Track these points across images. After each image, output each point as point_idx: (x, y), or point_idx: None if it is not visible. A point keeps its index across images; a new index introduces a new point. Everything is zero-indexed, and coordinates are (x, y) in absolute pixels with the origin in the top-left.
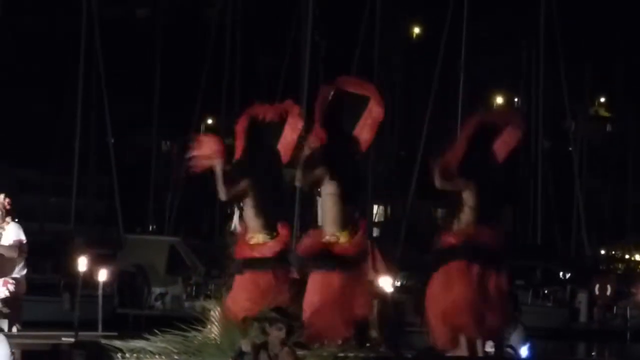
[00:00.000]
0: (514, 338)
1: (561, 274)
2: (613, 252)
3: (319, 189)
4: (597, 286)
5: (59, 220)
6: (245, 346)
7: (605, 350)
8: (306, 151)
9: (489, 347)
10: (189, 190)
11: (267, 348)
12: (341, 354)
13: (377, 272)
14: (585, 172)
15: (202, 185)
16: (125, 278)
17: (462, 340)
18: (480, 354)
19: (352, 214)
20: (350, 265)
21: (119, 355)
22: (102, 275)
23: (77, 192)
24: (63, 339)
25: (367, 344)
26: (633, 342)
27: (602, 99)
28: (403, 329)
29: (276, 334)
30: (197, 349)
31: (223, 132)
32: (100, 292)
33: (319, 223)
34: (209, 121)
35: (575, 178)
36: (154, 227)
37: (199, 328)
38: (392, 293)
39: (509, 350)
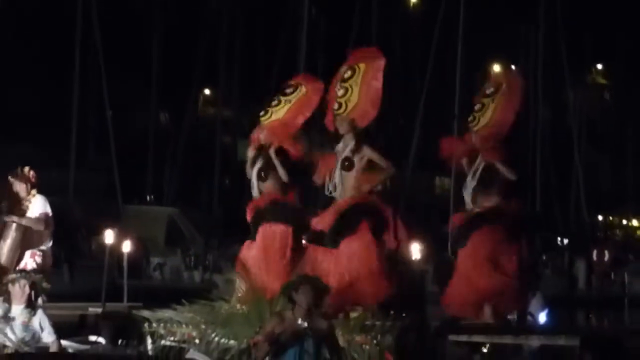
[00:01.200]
0: (532, 305)
1: (559, 241)
2: (611, 219)
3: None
4: (595, 253)
5: (58, 194)
6: (280, 327)
7: (604, 317)
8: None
9: (511, 315)
10: (188, 162)
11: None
12: (368, 322)
13: (399, 241)
14: (584, 140)
15: (200, 157)
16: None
17: (487, 309)
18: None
19: None
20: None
21: (146, 325)
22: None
23: (76, 166)
24: (90, 309)
25: (392, 312)
26: (631, 308)
27: (599, 66)
28: (427, 297)
29: (302, 298)
30: (225, 320)
31: (221, 103)
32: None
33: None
34: (207, 92)
35: (573, 146)
36: (152, 198)
37: (226, 299)
38: (417, 261)
39: (528, 317)
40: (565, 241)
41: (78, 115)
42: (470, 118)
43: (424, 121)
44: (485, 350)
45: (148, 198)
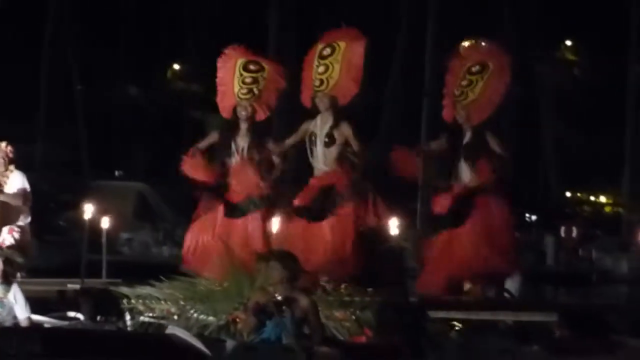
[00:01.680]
0: (510, 282)
1: (527, 217)
2: (579, 195)
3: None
4: (563, 229)
5: (26, 169)
6: (266, 299)
7: (572, 293)
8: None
9: (490, 292)
10: (157, 136)
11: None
12: (347, 298)
13: (379, 217)
14: (552, 116)
15: (170, 132)
16: (92, 224)
17: (467, 286)
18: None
19: None
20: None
21: (125, 301)
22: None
23: (44, 141)
24: (69, 285)
25: (371, 289)
26: (598, 284)
27: (569, 42)
28: (407, 273)
29: (274, 273)
30: (204, 295)
31: (190, 77)
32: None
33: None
34: (176, 66)
35: (541, 122)
36: (121, 173)
37: (206, 275)
38: (397, 237)
39: (505, 294)
40: (534, 217)
41: (46, 89)
42: (457, 92)
43: (394, 98)
44: (461, 326)
45: (117, 173)
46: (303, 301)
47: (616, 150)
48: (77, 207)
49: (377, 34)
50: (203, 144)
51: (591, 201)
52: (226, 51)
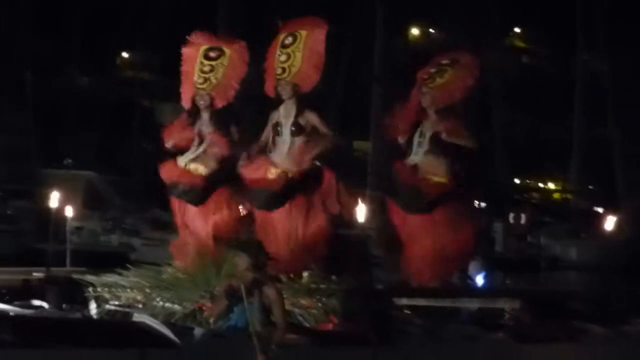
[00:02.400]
0: (471, 267)
1: (476, 203)
2: (528, 182)
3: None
4: (511, 216)
5: None
6: (237, 283)
7: (520, 279)
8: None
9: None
10: (106, 125)
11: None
12: (313, 285)
13: (342, 205)
14: (500, 103)
15: (120, 120)
16: (42, 213)
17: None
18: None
19: None
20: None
21: (90, 289)
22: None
23: None
24: (34, 274)
25: (336, 276)
26: (547, 270)
27: (517, 30)
28: (370, 262)
29: (240, 262)
30: (170, 284)
31: (139, 65)
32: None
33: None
34: (125, 54)
35: (490, 108)
36: (70, 161)
37: (171, 263)
38: (361, 224)
39: (468, 281)
40: (482, 204)
41: None
42: (425, 76)
43: (344, 85)
44: (425, 313)
45: (66, 161)
46: (269, 289)
47: (565, 137)
48: (25, 196)
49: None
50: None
51: (540, 188)
52: (190, 39)
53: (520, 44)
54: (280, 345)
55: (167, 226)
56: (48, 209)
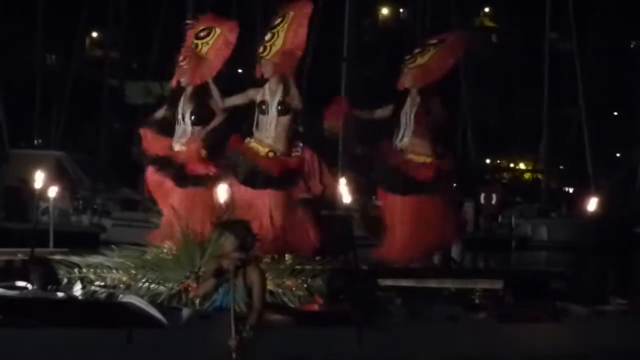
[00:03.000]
0: (453, 248)
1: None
2: (498, 162)
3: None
4: (482, 196)
5: None
6: (228, 264)
7: (492, 259)
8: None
9: (435, 259)
10: (75, 104)
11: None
12: (298, 266)
13: (324, 186)
14: (471, 83)
15: (88, 100)
16: (11, 192)
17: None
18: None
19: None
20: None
21: (75, 270)
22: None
23: None
24: (19, 255)
25: (321, 257)
26: (517, 250)
27: (487, 9)
28: (354, 242)
29: (226, 243)
30: (155, 264)
31: (109, 45)
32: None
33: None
34: (94, 34)
35: (460, 88)
36: (40, 141)
37: (157, 244)
38: (346, 205)
39: (451, 263)
40: (453, 184)
41: None
42: (407, 57)
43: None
44: (409, 293)
45: (35, 142)
46: (252, 270)
47: (534, 117)
48: None
49: None
50: (157, 115)
51: (510, 168)
52: (190, 22)
53: (489, 23)
54: (254, 328)
55: (137, 206)
56: (17, 189)
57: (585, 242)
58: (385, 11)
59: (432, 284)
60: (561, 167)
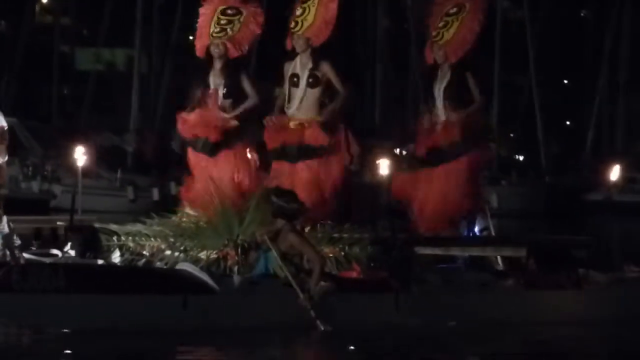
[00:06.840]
0: (479, 220)
1: (398, 151)
2: None
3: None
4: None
5: None
6: (260, 237)
7: None
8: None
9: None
10: (26, 70)
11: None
12: (335, 235)
13: (352, 156)
14: (419, 50)
15: (39, 66)
16: None
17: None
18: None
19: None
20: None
21: (114, 238)
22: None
23: None
24: (58, 223)
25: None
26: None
27: None
28: (386, 210)
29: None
30: (194, 232)
31: (60, 11)
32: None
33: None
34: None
35: (411, 57)
36: None
37: (193, 213)
38: (379, 176)
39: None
40: (404, 152)
41: None
42: (434, 34)
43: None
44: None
45: None
46: (292, 236)
47: (485, 84)
48: None
49: None
50: (194, 99)
51: None
52: None
53: None
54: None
55: (86, 173)
56: None
57: (534, 208)
58: None
59: (458, 252)
60: (511, 134)
